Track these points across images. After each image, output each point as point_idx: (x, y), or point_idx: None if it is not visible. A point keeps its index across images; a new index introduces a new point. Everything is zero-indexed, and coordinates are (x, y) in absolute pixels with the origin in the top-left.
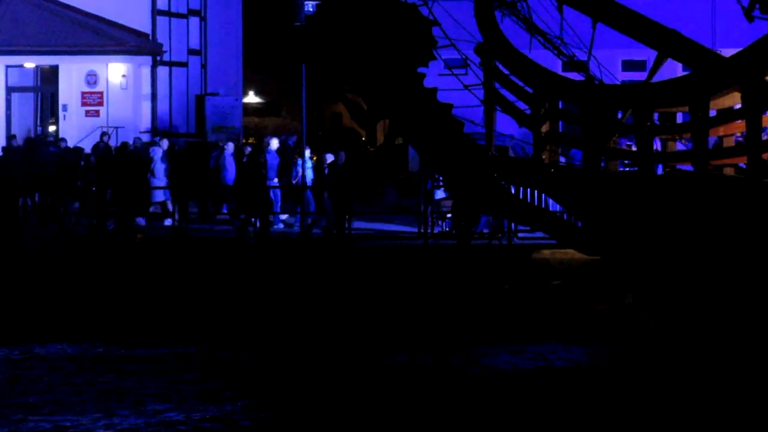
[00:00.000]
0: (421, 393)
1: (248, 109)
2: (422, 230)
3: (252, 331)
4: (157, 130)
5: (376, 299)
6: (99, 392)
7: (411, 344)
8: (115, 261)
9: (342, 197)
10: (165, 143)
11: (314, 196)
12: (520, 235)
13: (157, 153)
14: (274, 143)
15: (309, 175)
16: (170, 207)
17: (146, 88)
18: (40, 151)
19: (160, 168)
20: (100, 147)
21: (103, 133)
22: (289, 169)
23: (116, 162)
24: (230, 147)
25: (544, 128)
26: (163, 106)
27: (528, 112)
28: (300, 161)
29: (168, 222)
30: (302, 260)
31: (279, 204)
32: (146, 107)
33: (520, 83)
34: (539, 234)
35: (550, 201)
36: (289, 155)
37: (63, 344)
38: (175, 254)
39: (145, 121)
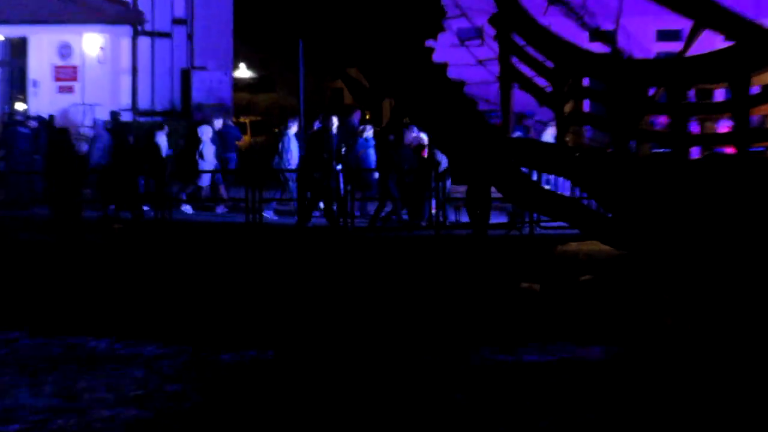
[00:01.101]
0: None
1: (239, 84)
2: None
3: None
4: (137, 108)
5: (389, 294)
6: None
7: (415, 349)
8: (94, 252)
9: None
10: (219, 123)
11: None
12: (542, 224)
13: (207, 133)
14: (335, 122)
15: (371, 156)
16: (223, 192)
17: (126, 62)
18: (7, 131)
19: (209, 150)
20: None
21: (114, 113)
22: (352, 150)
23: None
24: (293, 127)
25: (567, 107)
26: (144, 82)
27: (549, 89)
28: (362, 141)
29: (221, 209)
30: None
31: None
32: (125, 82)
33: (540, 57)
34: (565, 223)
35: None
36: (351, 135)
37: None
38: (167, 242)
39: (125, 98)
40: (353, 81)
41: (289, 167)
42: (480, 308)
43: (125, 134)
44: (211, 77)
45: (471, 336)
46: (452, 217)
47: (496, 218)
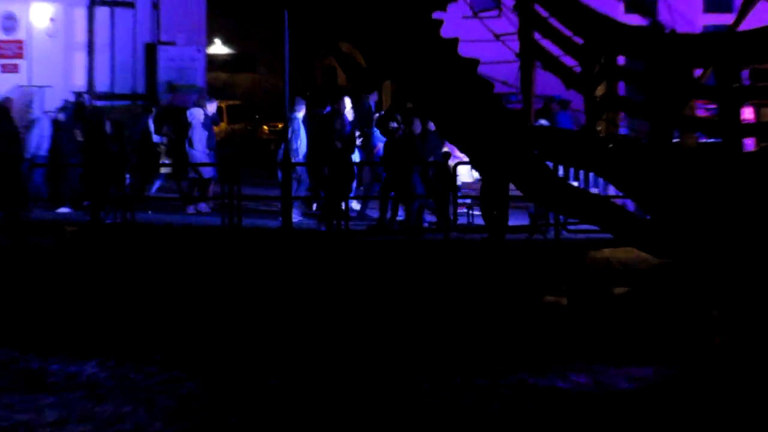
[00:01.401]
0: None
1: (214, 62)
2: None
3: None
4: (94, 90)
5: (389, 311)
6: None
7: (434, 367)
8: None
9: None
10: (212, 106)
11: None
12: (569, 227)
13: (198, 117)
14: (348, 104)
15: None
16: (212, 189)
17: (81, 36)
18: None
19: (200, 136)
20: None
21: (79, 95)
22: (369, 140)
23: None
24: (302, 110)
25: (599, 91)
26: (102, 59)
27: (577, 69)
28: (376, 132)
29: (191, 209)
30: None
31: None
32: (80, 60)
33: (567, 32)
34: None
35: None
36: (366, 121)
37: None
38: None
39: (79, 78)
40: (347, 59)
41: (297, 158)
42: (496, 326)
43: (100, 120)
44: (182, 54)
45: (484, 358)
46: (464, 219)
47: (516, 220)
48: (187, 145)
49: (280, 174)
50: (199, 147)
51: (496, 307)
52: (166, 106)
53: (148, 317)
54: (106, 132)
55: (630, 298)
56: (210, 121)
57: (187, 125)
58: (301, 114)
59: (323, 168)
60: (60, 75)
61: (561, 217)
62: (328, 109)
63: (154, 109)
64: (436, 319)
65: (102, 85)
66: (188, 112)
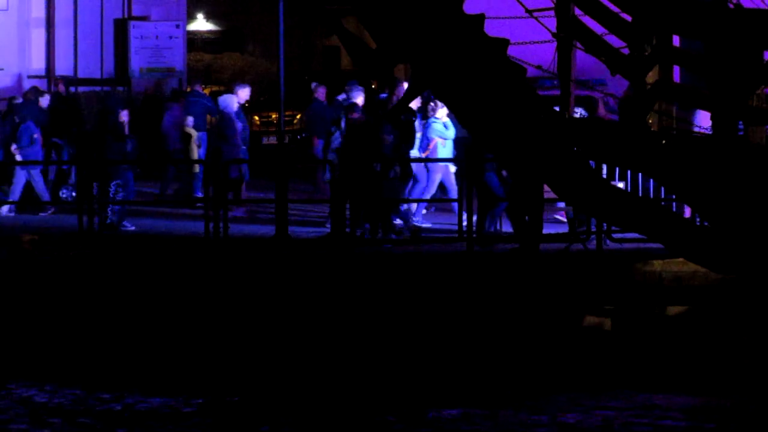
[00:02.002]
0: None
1: (195, 41)
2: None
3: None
4: (53, 74)
5: (403, 332)
6: None
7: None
8: None
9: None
10: (245, 92)
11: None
12: (614, 236)
13: (231, 105)
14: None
15: (447, 147)
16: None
17: (38, 10)
18: None
19: (236, 129)
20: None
21: (66, 80)
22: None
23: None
24: (359, 96)
25: (651, 77)
26: (63, 37)
27: (625, 51)
28: (431, 125)
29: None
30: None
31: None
32: (38, 38)
33: (613, 7)
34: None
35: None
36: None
37: None
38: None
39: (37, 60)
40: (353, 38)
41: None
42: (526, 352)
43: (110, 109)
44: (157, 31)
45: (511, 389)
46: (490, 226)
47: (551, 228)
48: (219, 140)
49: (326, 172)
50: (238, 142)
51: (527, 330)
52: (136, 93)
53: (117, 344)
54: (122, 123)
55: (686, 319)
56: (242, 111)
57: (221, 117)
58: (359, 101)
59: (374, 167)
60: (14, 56)
61: (604, 224)
62: (384, 95)
63: (187, 99)
64: (456, 344)
65: (63, 67)
66: (219, 100)
